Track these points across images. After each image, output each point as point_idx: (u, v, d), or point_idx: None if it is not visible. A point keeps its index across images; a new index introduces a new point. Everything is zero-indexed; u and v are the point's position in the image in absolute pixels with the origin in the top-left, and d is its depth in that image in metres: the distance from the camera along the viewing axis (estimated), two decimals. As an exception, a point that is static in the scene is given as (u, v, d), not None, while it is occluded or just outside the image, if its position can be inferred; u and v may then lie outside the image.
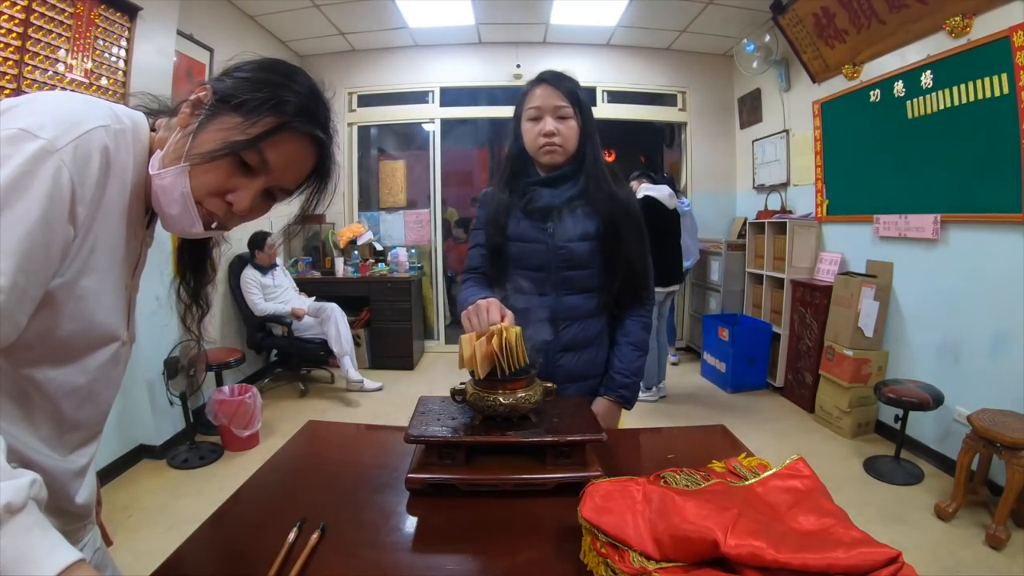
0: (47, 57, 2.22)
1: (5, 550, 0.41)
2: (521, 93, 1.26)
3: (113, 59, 2.56)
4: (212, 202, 0.64)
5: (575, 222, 1.22)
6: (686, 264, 4.08)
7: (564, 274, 1.22)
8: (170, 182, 0.61)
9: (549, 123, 1.19)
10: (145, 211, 0.67)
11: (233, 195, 0.64)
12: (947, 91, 2.65)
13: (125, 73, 2.63)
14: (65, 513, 0.68)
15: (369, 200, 5.25)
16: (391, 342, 4.44)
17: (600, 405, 1.20)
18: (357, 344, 4.15)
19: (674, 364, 4.56)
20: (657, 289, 3.57)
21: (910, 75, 2.87)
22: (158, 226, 0.69)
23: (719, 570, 0.55)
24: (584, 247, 1.21)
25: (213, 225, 0.66)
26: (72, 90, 2.37)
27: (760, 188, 4.58)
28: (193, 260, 0.79)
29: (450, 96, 4.87)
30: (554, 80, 1.21)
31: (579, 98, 1.20)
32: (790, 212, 4.13)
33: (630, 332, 1.27)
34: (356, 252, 4.71)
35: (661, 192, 3.58)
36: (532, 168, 1.26)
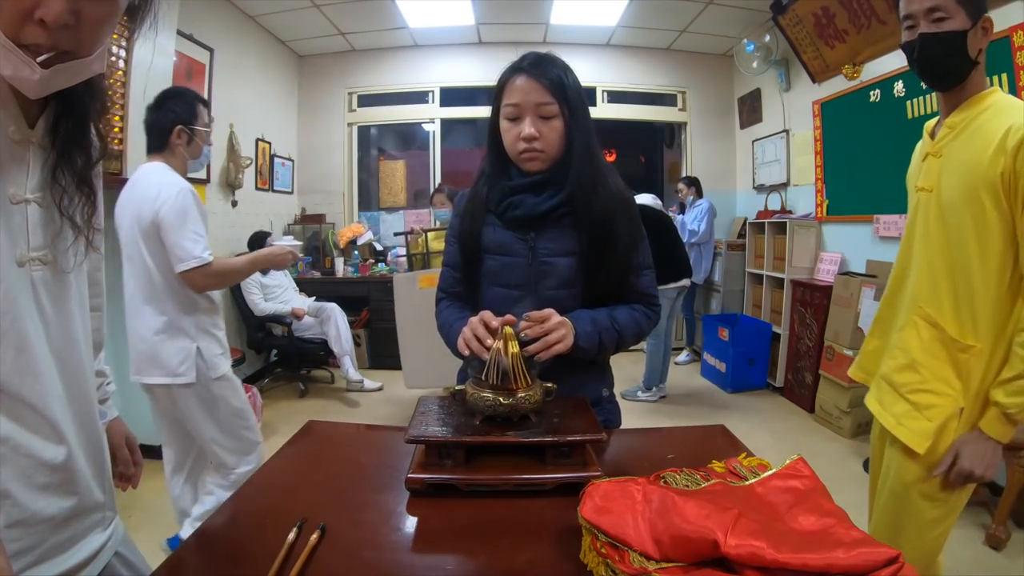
0: (47, 57, 2.22)
1: None
2: (498, 83, 1.06)
3: (113, 59, 2.56)
4: (27, 32, 0.52)
5: (560, 234, 1.07)
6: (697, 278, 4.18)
7: (546, 293, 1.07)
8: None
9: (529, 126, 1.01)
10: (31, 106, 0.59)
11: (40, 10, 0.51)
12: (947, 91, 2.66)
13: (125, 73, 2.63)
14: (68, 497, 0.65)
15: (369, 200, 5.25)
16: (391, 342, 4.42)
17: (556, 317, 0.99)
18: (357, 344, 4.16)
19: (678, 364, 4.56)
20: (670, 285, 3.58)
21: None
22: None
23: (719, 570, 0.55)
24: (569, 263, 1.06)
25: (40, 59, 0.53)
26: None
27: (760, 188, 4.58)
28: (73, 130, 0.65)
29: (450, 96, 4.87)
30: (535, 70, 1.02)
31: (566, 88, 1.02)
32: (790, 212, 4.13)
33: (616, 308, 1.09)
34: (356, 252, 4.72)
35: (644, 199, 3.67)
36: (513, 170, 1.10)
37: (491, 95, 1.10)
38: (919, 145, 1.26)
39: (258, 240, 3.71)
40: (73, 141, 0.65)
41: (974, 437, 1.04)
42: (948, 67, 1.04)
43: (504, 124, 1.06)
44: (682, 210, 4.51)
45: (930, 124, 1.19)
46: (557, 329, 0.96)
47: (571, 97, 1.03)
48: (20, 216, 0.59)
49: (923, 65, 1.06)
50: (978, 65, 1.05)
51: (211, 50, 3.46)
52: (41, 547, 0.62)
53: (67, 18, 0.52)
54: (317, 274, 4.57)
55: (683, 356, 4.65)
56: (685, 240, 4.22)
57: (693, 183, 4.44)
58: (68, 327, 0.66)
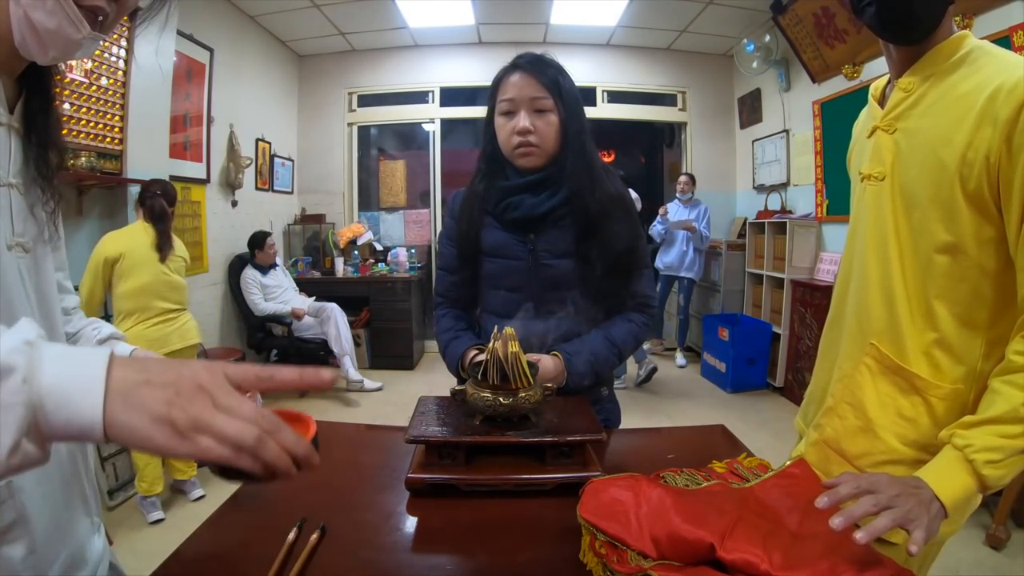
0: (47, 57, 2.22)
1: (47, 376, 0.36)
2: (493, 82, 1.07)
3: (113, 59, 2.56)
4: None
5: (560, 235, 1.05)
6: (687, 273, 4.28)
7: (547, 295, 1.06)
8: None
9: (524, 119, 1.01)
10: (9, 92, 0.59)
11: None
12: (947, 91, 2.64)
13: (125, 73, 2.63)
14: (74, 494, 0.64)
15: (369, 200, 5.25)
16: (391, 342, 4.44)
17: (548, 361, 1.01)
18: (357, 344, 4.15)
19: (681, 367, 4.56)
20: None
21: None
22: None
23: (715, 569, 0.55)
24: (570, 264, 1.05)
25: (100, 19, 0.56)
26: (72, 90, 2.37)
27: (760, 188, 4.58)
28: (45, 120, 0.64)
29: (450, 96, 4.87)
30: (531, 67, 1.02)
31: (561, 86, 1.02)
32: (790, 212, 4.13)
33: (612, 324, 1.09)
34: (356, 252, 4.72)
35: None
36: (510, 170, 1.08)
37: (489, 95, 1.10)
38: (863, 115, 0.94)
39: (258, 240, 3.71)
40: (46, 131, 0.65)
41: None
42: (920, 10, 0.72)
43: (499, 120, 1.05)
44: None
45: (877, 85, 0.88)
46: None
47: (566, 96, 1.03)
48: (4, 200, 0.59)
49: (886, 10, 0.73)
50: (952, 5, 0.74)
51: (211, 50, 3.45)
52: (55, 567, 0.59)
53: None
54: (317, 274, 4.57)
55: (680, 359, 4.63)
56: (702, 247, 4.23)
57: (695, 183, 4.43)
58: (51, 317, 0.65)
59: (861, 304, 0.84)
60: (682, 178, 4.42)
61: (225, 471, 0.39)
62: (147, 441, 0.37)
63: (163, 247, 2.24)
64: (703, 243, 4.20)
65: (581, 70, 4.68)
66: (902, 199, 0.77)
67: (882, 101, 0.85)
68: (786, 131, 4.17)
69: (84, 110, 2.42)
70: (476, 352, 1.05)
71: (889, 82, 0.85)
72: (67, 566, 0.61)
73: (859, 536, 0.52)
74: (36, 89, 0.63)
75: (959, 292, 0.74)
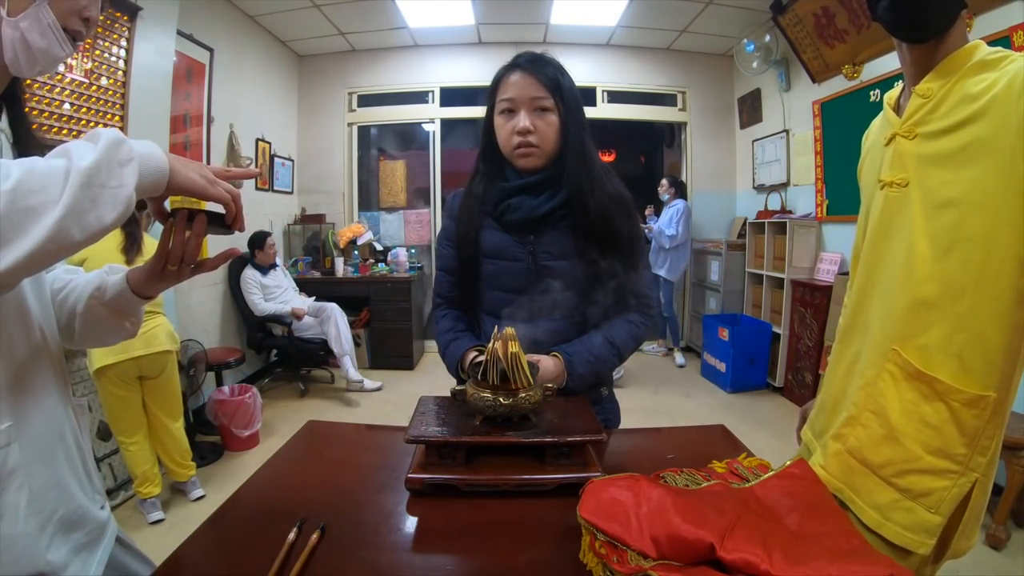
0: (47, 57, 2.21)
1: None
2: (492, 81, 1.06)
3: (113, 59, 2.56)
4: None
5: (560, 237, 1.05)
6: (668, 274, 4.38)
7: (546, 296, 1.05)
8: (31, 20, 0.62)
9: (524, 119, 1.00)
10: None
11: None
12: (947, 91, 2.64)
13: (125, 73, 2.63)
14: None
15: (369, 200, 5.25)
16: (391, 342, 4.44)
17: (548, 361, 1.01)
18: (357, 344, 4.15)
19: (681, 367, 4.57)
20: None
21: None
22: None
23: (715, 569, 0.55)
24: (570, 266, 1.05)
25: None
26: (72, 90, 2.37)
27: (760, 188, 4.58)
28: (24, 126, 0.72)
29: (450, 96, 4.87)
30: (531, 66, 1.01)
31: (561, 86, 1.01)
32: (790, 212, 4.13)
33: (612, 325, 1.08)
34: (356, 252, 4.72)
35: None
36: (509, 171, 1.07)
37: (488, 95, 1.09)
38: (876, 123, 0.94)
39: (258, 240, 3.71)
40: (30, 135, 0.73)
41: None
42: (932, 7, 0.73)
43: (498, 120, 1.05)
44: (658, 211, 4.60)
45: (892, 95, 0.89)
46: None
47: (566, 95, 1.02)
48: None
49: (901, 5, 0.74)
50: (965, 8, 0.76)
51: (211, 50, 3.45)
52: (53, 520, 0.63)
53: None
54: (317, 274, 4.57)
55: (680, 359, 4.64)
56: (666, 245, 4.31)
57: (676, 184, 4.48)
58: (45, 305, 0.69)
59: (886, 310, 0.82)
60: (663, 180, 4.52)
61: (211, 218, 0.64)
62: (196, 183, 0.60)
63: (129, 250, 2.20)
64: (667, 241, 4.32)
65: (581, 70, 4.68)
66: (930, 202, 0.77)
67: (898, 110, 0.85)
68: (786, 131, 4.17)
69: (84, 110, 2.42)
70: (476, 353, 1.05)
71: (903, 90, 0.86)
72: (65, 522, 0.65)
73: None
74: (13, 100, 0.70)
75: (999, 284, 0.72)
